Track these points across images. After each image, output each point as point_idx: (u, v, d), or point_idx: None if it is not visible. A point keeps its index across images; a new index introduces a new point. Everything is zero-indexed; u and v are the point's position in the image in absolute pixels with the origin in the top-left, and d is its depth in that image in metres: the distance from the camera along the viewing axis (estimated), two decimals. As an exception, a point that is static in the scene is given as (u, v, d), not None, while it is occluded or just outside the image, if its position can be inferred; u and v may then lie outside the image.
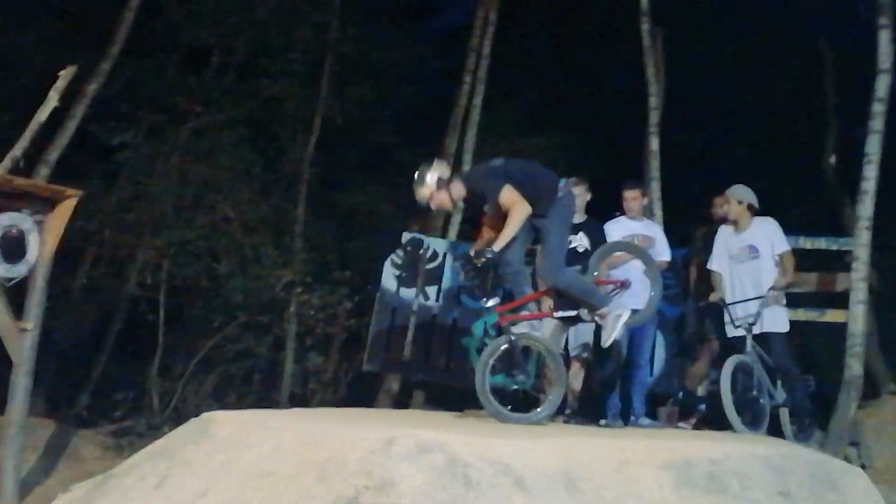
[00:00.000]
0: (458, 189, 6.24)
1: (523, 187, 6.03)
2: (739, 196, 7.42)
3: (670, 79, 10.62)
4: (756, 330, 7.12)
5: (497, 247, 5.96)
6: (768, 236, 7.34)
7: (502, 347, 5.90)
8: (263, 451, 4.44)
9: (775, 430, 7.13)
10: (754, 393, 6.92)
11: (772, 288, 7.17)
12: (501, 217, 6.07)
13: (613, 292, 6.46)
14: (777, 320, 7.23)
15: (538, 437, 5.00)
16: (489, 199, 6.17)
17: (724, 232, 7.55)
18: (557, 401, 5.97)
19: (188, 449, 4.83)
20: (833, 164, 11.85)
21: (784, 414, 7.40)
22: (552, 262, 6.16)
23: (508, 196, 6.01)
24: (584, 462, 4.58)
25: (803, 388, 7.32)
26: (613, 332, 6.13)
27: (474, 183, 6.27)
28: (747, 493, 4.80)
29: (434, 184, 6.15)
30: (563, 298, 6.22)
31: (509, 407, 5.79)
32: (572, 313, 6.25)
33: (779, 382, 7.30)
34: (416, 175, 6.20)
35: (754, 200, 7.43)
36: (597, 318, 6.21)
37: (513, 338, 5.91)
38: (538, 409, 5.86)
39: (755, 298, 7.16)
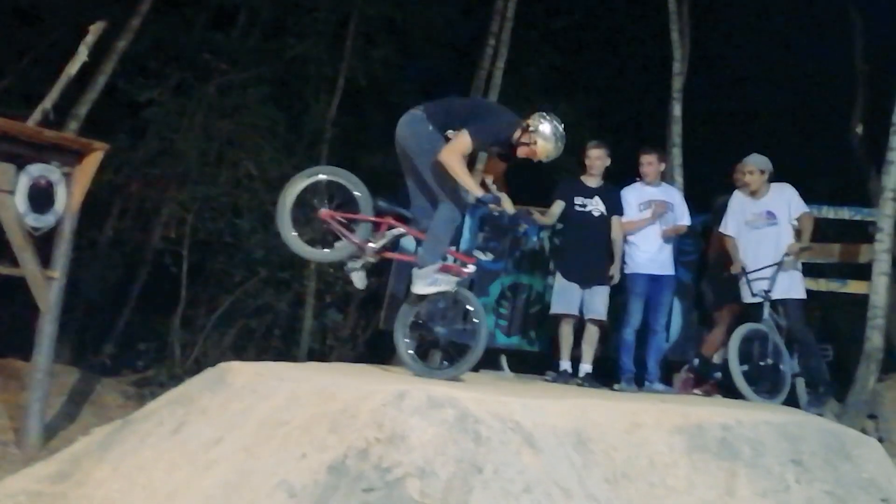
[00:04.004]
0: None
1: None
2: (762, 165, 7.33)
3: (695, 44, 10.54)
4: (772, 296, 7.12)
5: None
6: (786, 202, 7.27)
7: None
8: (278, 402, 4.52)
9: (792, 400, 7.17)
10: (769, 361, 6.91)
11: (787, 253, 7.13)
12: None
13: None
14: (793, 286, 7.18)
15: (550, 396, 5.05)
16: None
17: (738, 197, 7.50)
18: None
19: (205, 397, 4.91)
20: (860, 133, 11.73)
21: (800, 383, 7.41)
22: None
23: None
24: (596, 423, 4.62)
25: (819, 355, 7.31)
26: (424, 287, 5.84)
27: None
28: (760, 459, 4.84)
29: None
30: None
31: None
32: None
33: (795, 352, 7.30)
34: (558, 131, 5.95)
35: (771, 168, 7.38)
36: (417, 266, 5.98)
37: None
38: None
39: (771, 266, 7.14)
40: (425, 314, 6.01)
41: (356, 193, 6.04)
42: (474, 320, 5.80)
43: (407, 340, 5.88)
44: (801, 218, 7.23)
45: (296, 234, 6.03)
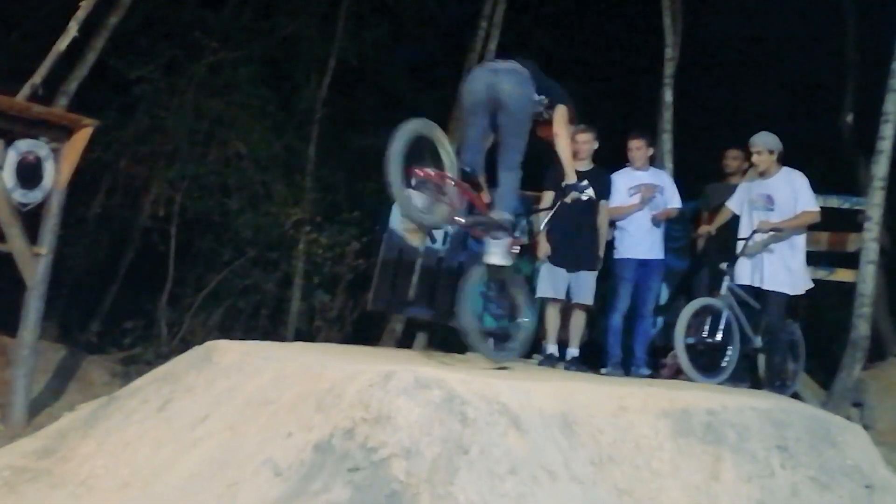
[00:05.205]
0: None
1: None
2: (770, 145, 7.11)
3: (687, 30, 10.50)
4: (751, 280, 7.10)
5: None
6: (791, 191, 7.05)
7: None
8: (264, 381, 4.52)
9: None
10: (718, 338, 6.87)
11: (755, 231, 7.03)
12: None
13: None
14: (777, 278, 7.06)
15: (537, 379, 5.06)
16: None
17: (752, 174, 7.41)
18: None
19: (191, 375, 4.92)
20: (850, 122, 11.74)
21: (761, 359, 7.42)
22: None
23: None
24: (582, 406, 4.63)
25: (784, 353, 7.26)
26: (501, 258, 5.64)
27: None
28: (745, 444, 4.87)
29: None
30: None
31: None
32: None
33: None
34: None
35: (781, 148, 7.16)
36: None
37: None
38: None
39: (741, 239, 7.12)
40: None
41: (445, 153, 5.55)
42: (521, 302, 5.80)
43: (477, 318, 5.53)
44: (801, 213, 7.03)
45: (409, 192, 5.25)
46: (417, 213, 5.35)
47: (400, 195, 5.15)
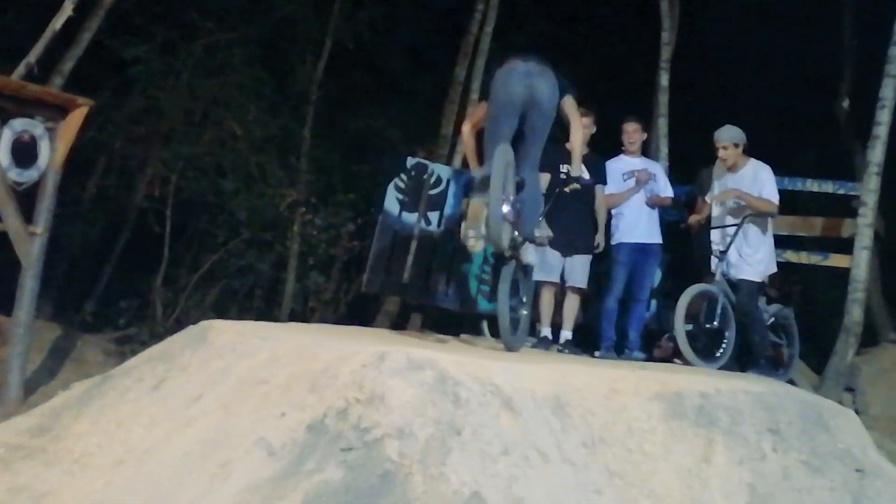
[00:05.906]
0: None
1: None
2: (735, 139, 7.26)
3: (684, 15, 10.49)
4: (731, 271, 7.18)
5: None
6: (758, 185, 7.20)
7: None
8: (259, 361, 4.52)
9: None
10: (715, 323, 6.96)
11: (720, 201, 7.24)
12: None
13: None
14: (744, 269, 7.20)
15: (530, 361, 5.07)
16: None
17: (720, 167, 7.48)
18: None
19: (186, 354, 4.91)
20: (846, 107, 11.73)
21: None
22: None
23: None
24: (574, 388, 4.63)
25: (764, 333, 7.32)
26: (534, 257, 6.07)
27: None
28: (737, 428, 4.87)
29: None
30: None
31: None
32: None
33: None
34: None
35: (745, 140, 7.30)
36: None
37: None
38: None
39: (730, 225, 7.16)
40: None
41: (513, 175, 5.67)
42: (526, 296, 6.07)
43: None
44: (763, 198, 7.18)
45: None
46: (505, 239, 5.49)
47: (496, 219, 5.29)
